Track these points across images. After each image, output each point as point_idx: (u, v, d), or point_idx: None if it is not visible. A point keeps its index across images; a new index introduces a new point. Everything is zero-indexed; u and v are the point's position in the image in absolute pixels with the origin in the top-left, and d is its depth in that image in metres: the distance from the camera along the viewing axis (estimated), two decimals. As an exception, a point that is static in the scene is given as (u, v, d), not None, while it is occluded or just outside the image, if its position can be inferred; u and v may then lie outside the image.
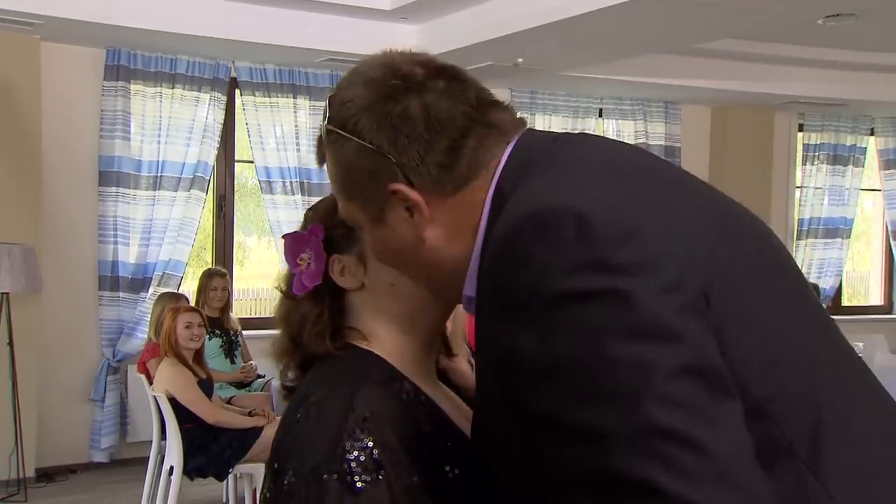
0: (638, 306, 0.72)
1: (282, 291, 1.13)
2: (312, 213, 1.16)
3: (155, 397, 4.08)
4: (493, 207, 0.86)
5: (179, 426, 3.96)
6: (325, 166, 0.97)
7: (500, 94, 6.44)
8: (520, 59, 5.43)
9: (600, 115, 6.80)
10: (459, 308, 1.03)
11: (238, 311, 6.02)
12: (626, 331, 0.71)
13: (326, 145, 0.94)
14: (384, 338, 1.05)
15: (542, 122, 6.55)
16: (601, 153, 0.90)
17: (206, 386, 4.16)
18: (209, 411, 3.96)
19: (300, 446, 0.95)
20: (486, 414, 0.87)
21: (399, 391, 0.99)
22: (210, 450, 4.00)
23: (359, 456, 0.89)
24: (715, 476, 0.68)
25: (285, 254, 1.12)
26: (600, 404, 0.70)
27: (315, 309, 1.08)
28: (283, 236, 1.14)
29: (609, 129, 6.84)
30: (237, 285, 6.39)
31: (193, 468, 4.00)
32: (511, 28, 4.81)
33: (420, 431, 0.95)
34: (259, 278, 8.81)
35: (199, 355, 4.19)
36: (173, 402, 3.96)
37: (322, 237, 1.08)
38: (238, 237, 6.60)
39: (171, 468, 3.98)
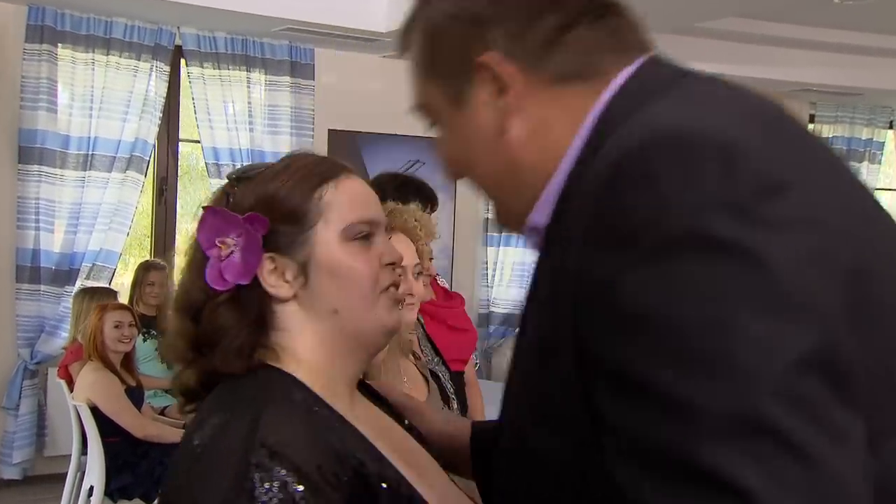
0: (775, 272, 0.65)
1: (184, 278, 1.02)
2: (245, 188, 1.05)
3: (76, 406, 3.93)
4: (597, 128, 0.80)
5: (103, 440, 3.81)
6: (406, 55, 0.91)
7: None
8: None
9: (590, 100, 6.72)
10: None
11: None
12: (756, 299, 0.64)
13: (416, 12, 0.90)
14: (307, 360, 1.01)
15: (525, 106, 6.46)
16: (749, 98, 0.81)
17: (136, 394, 4.01)
18: (137, 424, 3.81)
19: (200, 483, 0.88)
20: (527, 366, 0.81)
21: (310, 413, 0.94)
22: (137, 467, 3.85)
23: (272, 489, 0.85)
24: (822, 501, 0.62)
25: (201, 230, 1.02)
26: (703, 378, 0.64)
27: (236, 318, 1.00)
28: (206, 208, 1.04)
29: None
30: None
31: (117, 488, 3.85)
32: None
33: (338, 455, 0.91)
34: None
35: (128, 359, 4.04)
36: (96, 412, 3.81)
37: (264, 232, 1.00)
38: (184, 226, 6.43)
39: (92, 488, 3.83)
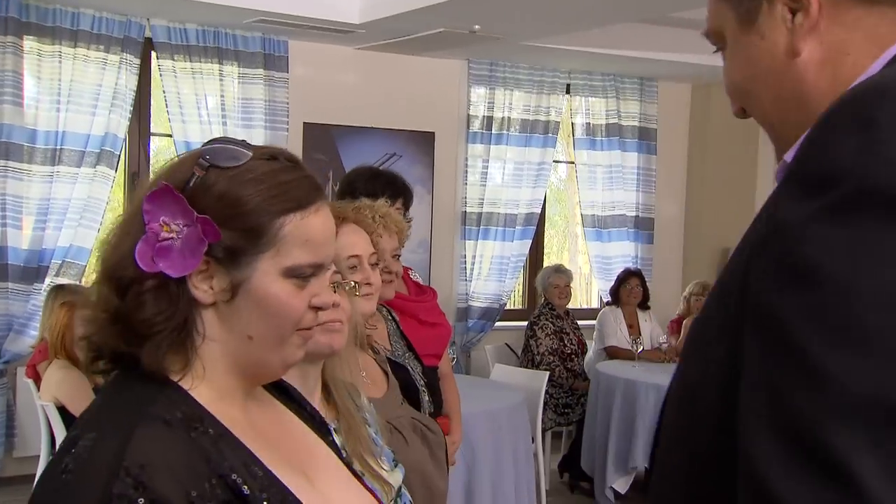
0: None
1: (118, 239, 0.97)
2: (216, 176, 0.99)
3: (44, 406, 3.84)
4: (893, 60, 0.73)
5: (71, 440, 3.72)
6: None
7: (455, 65, 6.35)
8: (476, 26, 5.27)
9: (568, 92, 6.67)
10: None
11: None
12: None
13: None
14: (205, 367, 0.99)
15: (502, 98, 6.40)
16: None
17: (105, 393, 3.92)
18: (106, 423, 3.73)
19: None
20: (708, 307, 0.78)
21: (189, 432, 0.91)
22: (107, 468, 3.77)
23: None
24: None
25: (151, 200, 0.96)
26: (854, 354, 0.60)
27: (162, 314, 0.95)
28: (166, 185, 0.97)
29: (578, 106, 6.71)
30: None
31: (87, 489, 3.76)
32: (466, -12, 4.64)
33: (215, 476, 0.89)
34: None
35: (96, 358, 3.95)
36: (64, 411, 3.72)
37: (213, 241, 0.95)
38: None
39: (60, 490, 3.74)
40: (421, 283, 2.76)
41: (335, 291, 1.38)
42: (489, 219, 6.41)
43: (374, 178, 2.63)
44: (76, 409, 3.72)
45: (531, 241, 6.59)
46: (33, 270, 5.08)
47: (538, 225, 6.67)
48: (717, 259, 7.00)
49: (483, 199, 6.40)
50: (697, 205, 7.12)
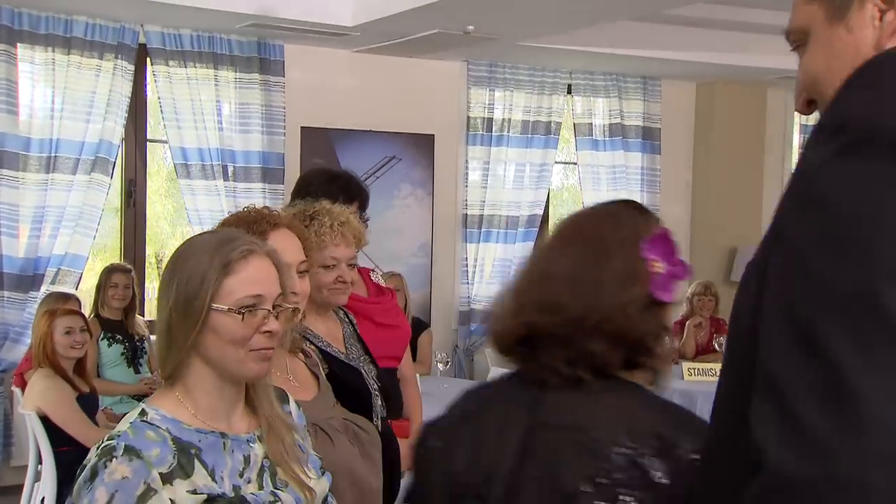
0: None
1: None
2: None
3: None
4: None
5: (55, 449, 3.67)
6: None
7: (453, 67, 6.25)
8: (470, 27, 5.17)
9: (569, 92, 6.56)
10: None
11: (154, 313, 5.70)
12: None
13: None
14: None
15: (501, 99, 6.30)
16: None
17: (90, 401, 3.86)
18: (88, 433, 3.66)
19: None
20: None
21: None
22: (91, 477, 3.70)
23: None
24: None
25: (666, 248, 1.14)
26: (842, 260, 0.73)
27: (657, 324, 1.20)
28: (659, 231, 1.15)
29: (579, 107, 6.59)
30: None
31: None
32: (456, -12, 4.54)
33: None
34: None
35: (81, 365, 3.89)
36: (47, 420, 3.66)
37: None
38: (170, 227, 6.30)
39: (44, 499, 3.68)
40: (382, 284, 2.67)
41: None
42: (491, 221, 6.31)
43: (330, 181, 2.56)
44: (58, 418, 3.66)
45: (534, 242, 6.47)
46: (29, 279, 5.04)
47: (541, 226, 6.55)
48: (724, 259, 6.84)
49: (484, 202, 6.29)
50: (703, 205, 6.96)
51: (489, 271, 6.33)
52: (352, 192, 2.54)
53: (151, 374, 4.96)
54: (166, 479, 1.29)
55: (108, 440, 1.33)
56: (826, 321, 0.72)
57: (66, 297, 4.49)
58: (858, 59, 0.86)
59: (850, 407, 0.69)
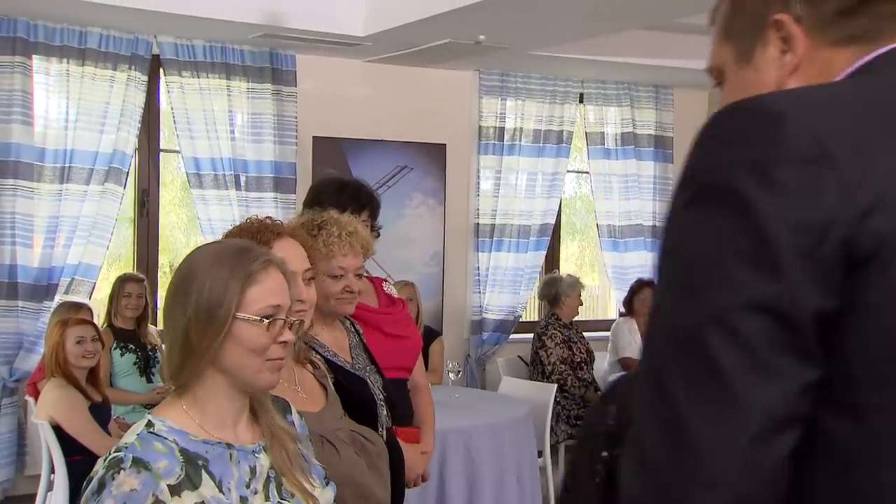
0: (765, 230, 0.78)
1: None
2: None
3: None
4: None
5: (67, 458, 3.68)
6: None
7: (465, 76, 6.25)
8: (481, 37, 5.17)
9: (581, 101, 6.55)
10: None
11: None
12: (739, 249, 0.78)
13: None
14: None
15: (513, 108, 6.29)
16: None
17: (102, 411, 3.87)
18: (100, 443, 3.66)
19: None
20: None
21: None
22: (104, 486, 3.71)
23: None
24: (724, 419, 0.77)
25: None
26: (680, 298, 0.81)
27: None
28: None
29: (591, 116, 6.58)
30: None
31: (83, 508, 3.70)
32: (465, 0, 4.53)
33: None
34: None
35: (94, 375, 3.91)
36: (59, 430, 3.67)
37: None
38: (184, 237, 6.32)
39: (57, 508, 3.69)
40: (394, 295, 2.66)
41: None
42: (502, 230, 6.30)
43: (340, 191, 2.56)
44: (71, 427, 3.67)
45: (545, 252, 6.45)
46: (43, 288, 5.06)
47: (553, 236, 6.53)
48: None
49: (496, 211, 6.29)
50: (717, 213, 6.92)
51: (501, 281, 6.32)
52: (362, 200, 2.54)
53: (164, 383, 4.97)
54: (174, 491, 1.29)
55: (115, 452, 1.33)
56: (668, 363, 0.80)
57: (78, 307, 4.51)
58: None
59: (683, 440, 0.77)
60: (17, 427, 5.06)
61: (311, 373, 1.80)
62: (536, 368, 5.58)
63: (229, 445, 1.40)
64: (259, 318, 1.38)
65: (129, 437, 1.37)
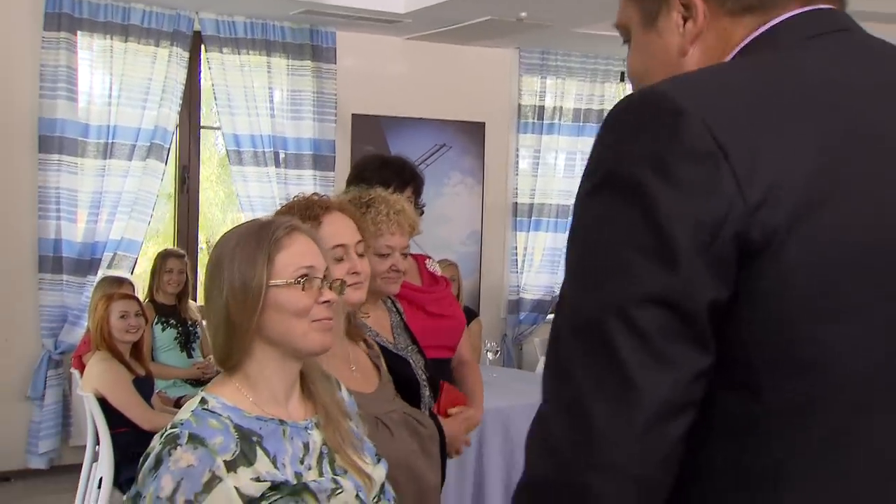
0: (662, 224, 0.81)
1: None
2: None
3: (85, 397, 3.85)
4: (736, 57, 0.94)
5: (112, 430, 3.73)
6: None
7: (505, 54, 6.20)
8: (523, 14, 5.12)
9: (622, 79, 6.47)
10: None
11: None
12: (637, 240, 0.81)
13: None
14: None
15: (553, 87, 6.24)
16: (781, 76, 0.91)
17: (145, 385, 3.92)
18: (144, 416, 3.72)
19: None
20: None
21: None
22: (147, 459, 3.77)
23: None
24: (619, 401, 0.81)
25: None
26: (581, 286, 0.85)
27: None
28: None
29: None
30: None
31: (127, 479, 3.76)
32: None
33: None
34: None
35: (137, 349, 3.95)
36: (104, 402, 3.73)
37: None
38: (221, 214, 6.39)
39: (101, 479, 3.75)
40: (437, 273, 2.65)
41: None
42: (541, 210, 6.26)
43: (383, 167, 2.54)
44: (116, 400, 3.72)
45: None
46: (86, 263, 5.14)
47: (592, 216, 6.49)
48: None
49: (535, 190, 6.25)
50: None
51: (538, 260, 6.30)
52: (405, 177, 2.52)
53: (203, 358, 5.03)
54: (230, 466, 1.30)
55: (171, 428, 1.35)
56: (570, 349, 0.83)
57: (121, 282, 4.56)
58: (669, 60, 0.98)
59: (584, 424, 0.81)
60: (63, 398, 5.16)
61: (366, 352, 1.80)
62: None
63: (282, 422, 1.41)
64: (293, 280, 1.38)
65: (184, 414, 1.38)
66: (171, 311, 4.96)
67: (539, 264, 6.30)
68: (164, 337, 4.91)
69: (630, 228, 0.81)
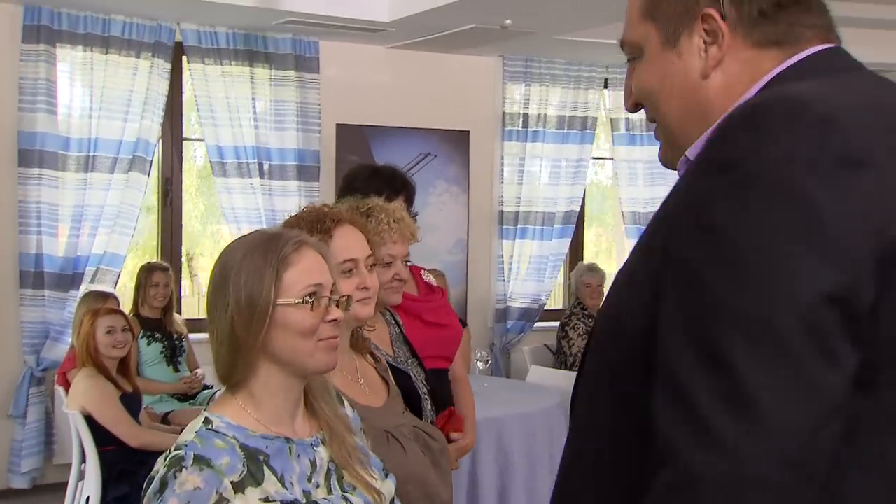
0: (826, 224, 0.83)
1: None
2: None
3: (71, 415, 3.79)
4: (769, 85, 0.99)
5: (98, 448, 3.67)
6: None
7: (489, 62, 6.19)
8: (507, 21, 5.11)
9: (606, 86, 6.48)
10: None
11: (193, 312, 5.72)
12: (805, 239, 0.83)
13: None
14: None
15: (537, 94, 6.23)
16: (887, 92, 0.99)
17: (133, 401, 3.86)
18: (132, 433, 3.66)
19: None
20: (634, 261, 1.01)
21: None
22: (135, 477, 3.69)
23: None
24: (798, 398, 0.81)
25: None
26: (738, 287, 0.83)
27: None
28: None
29: (615, 101, 6.51)
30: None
31: (114, 498, 3.70)
32: (495, -18, 4.49)
33: None
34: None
35: (124, 365, 3.89)
36: (91, 420, 3.67)
37: None
38: (216, 225, 6.34)
39: (88, 499, 3.69)
40: (432, 282, 2.63)
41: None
42: (527, 217, 6.25)
43: (374, 177, 2.52)
44: (103, 418, 3.66)
45: (570, 239, 6.41)
46: (68, 278, 5.07)
47: (577, 223, 6.49)
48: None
49: (520, 198, 6.24)
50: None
51: (525, 269, 6.28)
52: (397, 185, 2.50)
53: (190, 372, 4.98)
54: (238, 487, 1.27)
55: (175, 450, 1.30)
56: (729, 340, 0.82)
57: (106, 296, 4.51)
58: (687, 82, 1.03)
59: (754, 415, 0.80)
60: (45, 416, 5.08)
61: (373, 366, 1.77)
62: (559, 358, 5.55)
63: (288, 439, 1.38)
64: (301, 299, 1.35)
65: (188, 435, 1.34)
66: (156, 325, 4.90)
67: (525, 272, 6.28)
68: (150, 351, 4.85)
69: (796, 228, 0.82)
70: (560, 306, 6.72)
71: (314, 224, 1.61)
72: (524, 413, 3.91)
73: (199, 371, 4.96)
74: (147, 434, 3.77)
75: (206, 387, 4.91)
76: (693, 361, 0.84)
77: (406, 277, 2.04)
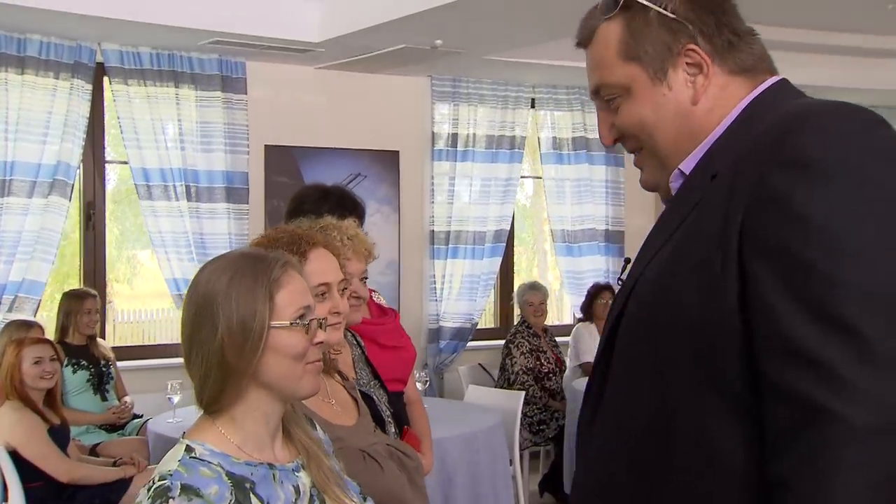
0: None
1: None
2: None
3: (-6, 451, 3.62)
4: (750, 109, 1.14)
5: (24, 485, 3.52)
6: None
7: (417, 82, 6.22)
8: (438, 41, 5.16)
9: (533, 106, 6.59)
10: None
11: (125, 337, 5.55)
12: (888, 215, 0.97)
13: (617, 14, 1.19)
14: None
15: (466, 114, 6.29)
16: None
17: (61, 433, 3.72)
18: (62, 468, 3.53)
19: None
20: (687, 249, 1.09)
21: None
22: (64, 513, 3.56)
23: None
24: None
25: None
26: (849, 264, 0.95)
27: None
28: None
29: (543, 120, 6.62)
30: (127, 306, 5.89)
31: (43, 537, 3.55)
32: (425, 4, 4.52)
33: None
34: (153, 297, 8.33)
35: (51, 396, 3.75)
36: (16, 455, 3.51)
37: None
38: (131, 250, 6.16)
39: (15, 538, 3.52)
40: (384, 305, 2.61)
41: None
42: (458, 237, 6.28)
43: (323, 199, 2.50)
44: (30, 453, 3.52)
45: (501, 258, 6.47)
46: (-15, 307, 4.85)
47: (508, 242, 6.55)
48: (689, 270, 6.91)
49: (451, 218, 6.27)
50: (667, 216, 7.03)
51: (457, 288, 6.30)
52: (347, 206, 2.49)
53: (118, 400, 4.82)
54: None
55: (159, 480, 1.26)
56: (850, 310, 0.93)
57: (30, 325, 4.33)
58: (680, 110, 1.17)
59: (889, 371, 0.91)
60: (-39, 454, 4.82)
61: (342, 384, 1.75)
62: (503, 376, 5.58)
63: (271, 466, 1.35)
64: (293, 321, 1.33)
65: (171, 464, 1.29)
66: (82, 352, 4.74)
67: (458, 292, 6.30)
68: (76, 380, 4.68)
69: (882, 210, 0.97)
70: (492, 325, 6.76)
71: (290, 246, 1.59)
72: (466, 433, 3.91)
73: (127, 399, 4.81)
74: (80, 468, 3.63)
75: (135, 416, 4.76)
76: (818, 331, 0.93)
77: (364, 295, 2.03)
